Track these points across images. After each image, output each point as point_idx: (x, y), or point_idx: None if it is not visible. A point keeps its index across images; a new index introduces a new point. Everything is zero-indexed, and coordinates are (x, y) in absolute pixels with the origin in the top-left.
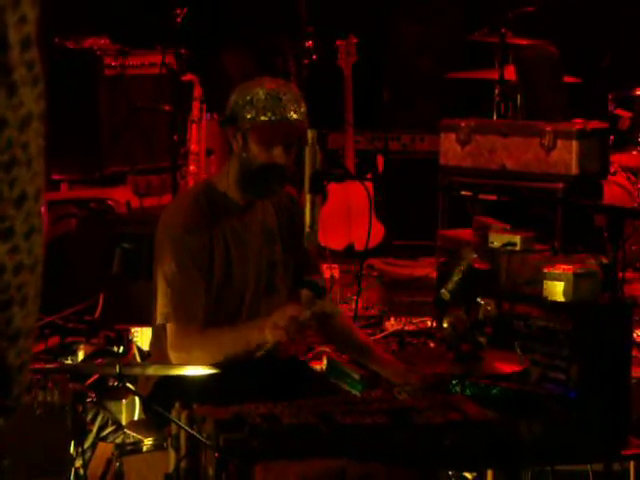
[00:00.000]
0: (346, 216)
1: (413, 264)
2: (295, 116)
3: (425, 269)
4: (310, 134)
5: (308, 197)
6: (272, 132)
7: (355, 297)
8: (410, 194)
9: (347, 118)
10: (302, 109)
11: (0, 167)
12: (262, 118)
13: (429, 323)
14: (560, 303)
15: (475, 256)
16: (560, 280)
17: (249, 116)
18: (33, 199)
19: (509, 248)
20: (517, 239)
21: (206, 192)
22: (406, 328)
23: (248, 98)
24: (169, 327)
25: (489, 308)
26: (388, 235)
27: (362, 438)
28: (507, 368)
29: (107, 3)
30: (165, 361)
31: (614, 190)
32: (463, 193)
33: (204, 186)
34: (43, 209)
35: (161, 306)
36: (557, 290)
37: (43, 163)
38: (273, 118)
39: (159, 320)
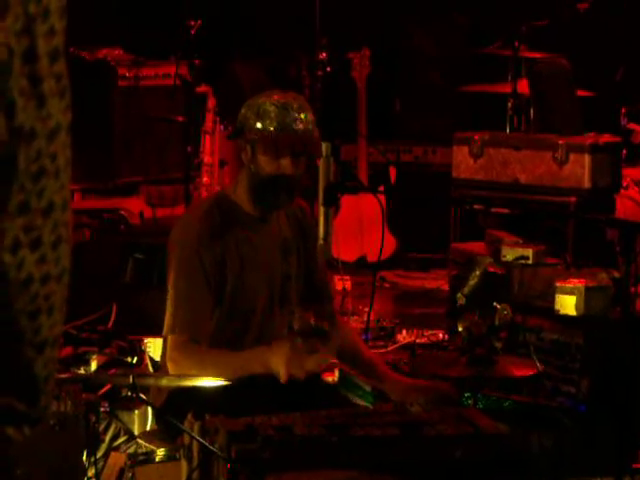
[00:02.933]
0: (358, 228)
1: (425, 276)
2: (302, 126)
3: (437, 281)
4: (324, 146)
5: (322, 210)
6: (279, 143)
7: (368, 310)
8: (422, 206)
9: (360, 130)
10: (310, 120)
11: (29, 177)
12: (269, 128)
13: (440, 335)
14: (571, 317)
15: (491, 261)
16: (572, 294)
17: (256, 127)
18: (60, 209)
19: (521, 261)
20: (529, 252)
21: (219, 203)
22: (417, 341)
23: (256, 110)
24: (170, 339)
25: (506, 312)
26: (400, 247)
27: (373, 450)
28: (520, 372)
29: (122, 14)
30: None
31: (626, 204)
32: (475, 206)
33: (217, 197)
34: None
35: (168, 317)
36: (569, 304)
37: (70, 174)
38: (279, 129)
39: (164, 331)
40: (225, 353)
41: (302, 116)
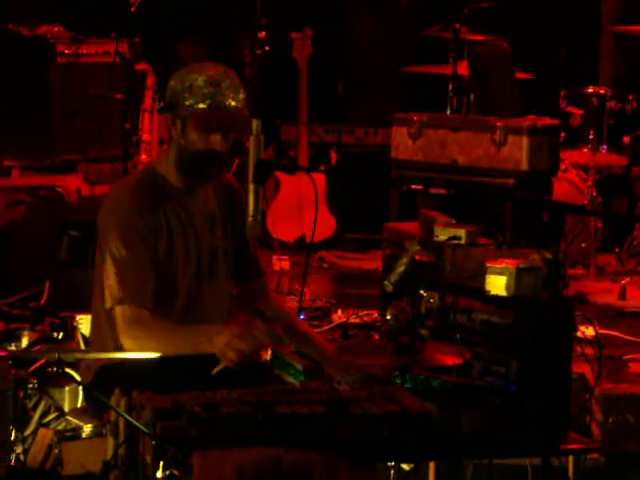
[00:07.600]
0: (298, 208)
1: (363, 257)
2: (234, 103)
3: (374, 262)
4: (255, 124)
5: (251, 187)
6: (210, 119)
7: (301, 289)
8: (363, 187)
9: (301, 110)
10: (241, 97)
11: None
12: (201, 105)
13: (375, 315)
14: (502, 297)
15: (419, 248)
16: (502, 274)
17: (188, 103)
18: None
19: (454, 242)
20: (462, 233)
21: (148, 176)
22: (351, 320)
23: (187, 85)
24: (118, 310)
25: (432, 300)
26: (340, 228)
27: (298, 427)
28: (448, 360)
29: None
30: (105, 348)
31: (565, 187)
32: (413, 187)
33: (146, 170)
34: None
35: (111, 289)
36: (499, 284)
37: None
38: (212, 105)
39: (109, 303)
40: (176, 327)
41: (233, 93)
